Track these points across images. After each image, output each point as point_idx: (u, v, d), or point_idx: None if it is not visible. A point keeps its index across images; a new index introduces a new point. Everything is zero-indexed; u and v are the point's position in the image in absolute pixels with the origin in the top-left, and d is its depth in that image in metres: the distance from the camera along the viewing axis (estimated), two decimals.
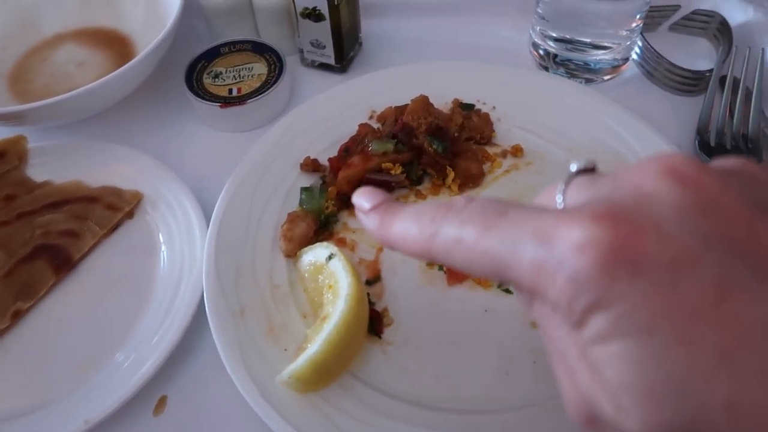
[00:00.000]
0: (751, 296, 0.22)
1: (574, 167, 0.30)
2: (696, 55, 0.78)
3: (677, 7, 0.80)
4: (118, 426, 0.52)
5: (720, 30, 0.78)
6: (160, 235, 0.63)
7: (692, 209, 0.24)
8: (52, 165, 0.68)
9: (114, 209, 0.64)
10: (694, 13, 0.80)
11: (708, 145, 0.67)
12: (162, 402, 0.54)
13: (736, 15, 0.78)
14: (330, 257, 0.55)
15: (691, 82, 0.73)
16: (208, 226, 0.60)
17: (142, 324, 0.57)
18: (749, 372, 0.21)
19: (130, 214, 0.65)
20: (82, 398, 0.52)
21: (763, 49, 0.72)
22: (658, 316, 0.22)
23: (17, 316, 0.58)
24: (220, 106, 0.70)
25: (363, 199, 0.35)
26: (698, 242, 0.23)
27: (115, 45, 0.81)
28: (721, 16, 0.78)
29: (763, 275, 0.23)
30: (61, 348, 0.57)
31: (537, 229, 0.26)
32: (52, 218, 0.64)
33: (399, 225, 0.32)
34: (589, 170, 0.30)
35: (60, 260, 0.61)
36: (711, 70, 0.72)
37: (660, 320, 0.22)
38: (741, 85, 0.70)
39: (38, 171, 0.68)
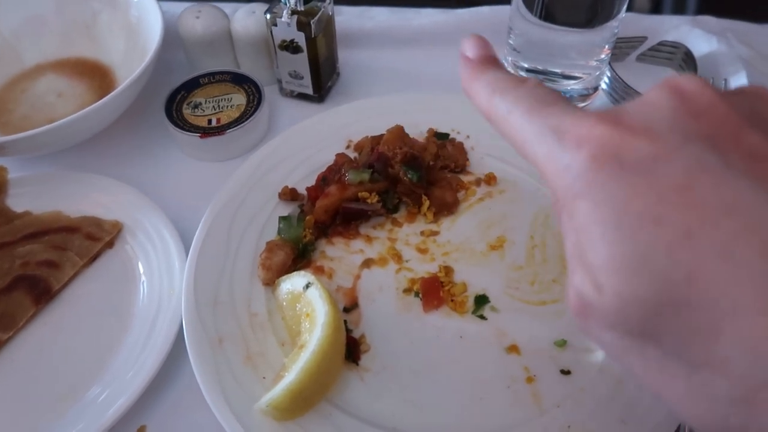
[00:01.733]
0: (718, 180, 0.24)
1: None
2: None
3: (644, 39, 0.83)
4: None
5: (685, 60, 0.81)
6: (140, 265, 0.63)
7: (684, 114, 0.26)
8: (32, 195, 0.69)
9: (94, 239, 0.65)
10: (660, 44, 0.82)
11: None
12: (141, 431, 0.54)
13: (701, 46, 0.82)
14: (307, 286, 0.56)
15: None
16: (187, 255, 0.61)
17: (121, 353, 0.57)
18: (710, 247, 0.23)
19: (110, 244, 0.65)
20: (61, 429, 0.53)
21: (725, 79, 0.75)
22: (631, 199, 0.25)
23: None
24: (200, 137, 0.71)
25: (468, 45, 0.37)
26: (681, 138, 0.26)
27: (95, 75, 0.82)
28: (686, 47, 0.81)
29: (734, 166, 0.25)
30: (41, 378, 0.57)
31: (560, 124, 0.28)
32: (32, 249, 0.64)
33: (480, 82, 0.34)
34: None
35: (40, 290, 0.61)
36: None
37: (632, 202, 0.25)
38: None
39: (18, 201, 0.68)
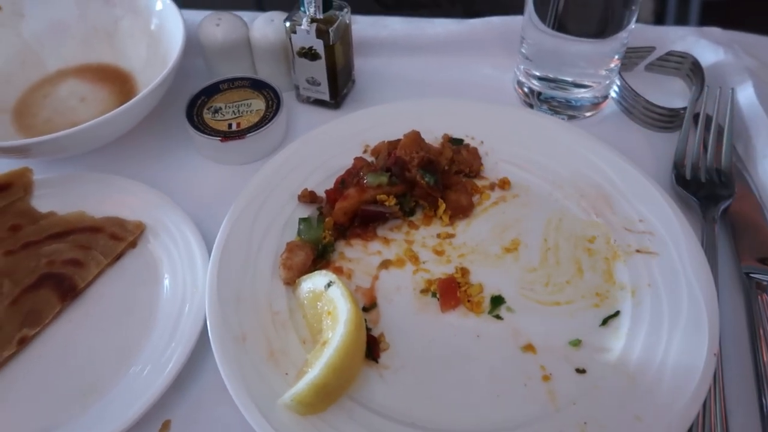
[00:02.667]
0: None
1: None
2: (671, 93, 0.83)
3: (652, 49, 0.85)
4: None
5: (693, 70, 0.83)
6: (163, 264, 0.65)
7: None
8: (57, 196, 0.70)
9: (117, 239, 0.66)
10: (668, 54, 0.84)
11: (684, 179, 0.71)
12: (166, 426, 0.56)
13: (708, 56, 0.83)
14: (329, 285, 0.57)
15: (666, 119, 0.78)
16: (209, 255, 0.62)
17: (146, 350, 0.59)
18: None
19: (133, 244, 0.67)
20: (87, 423, 0.54)
21: (732, 89, 0.76)
22: None
23: (24, 342, 0.59)
24: (221, 140, 0.73)
25: None
26: None
27: (116, 81, 0.84)
28: (694, 57, 0.83)
29: None
30: (67, 373, 0.58)
31: None
32: (57, 248, 0.66)
33: None
34: None
35: (65, 288, 0.63)
36: (685, 108, 0.77)
37: None
38: (713, 122, 0.74)
39: (43, 202, 0.70)
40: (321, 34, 0.73)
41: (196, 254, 0.64)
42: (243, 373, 0.55)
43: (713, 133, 0.74)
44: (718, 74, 0.81)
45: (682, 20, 1.39)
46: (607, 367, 0.56)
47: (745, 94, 0.77)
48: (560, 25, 0.72)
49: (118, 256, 0.66)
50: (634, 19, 0.72)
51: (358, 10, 0.85)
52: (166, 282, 0.64)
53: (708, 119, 0.75)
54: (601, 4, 0.70)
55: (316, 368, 0.51)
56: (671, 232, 0.63)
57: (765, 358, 0.56)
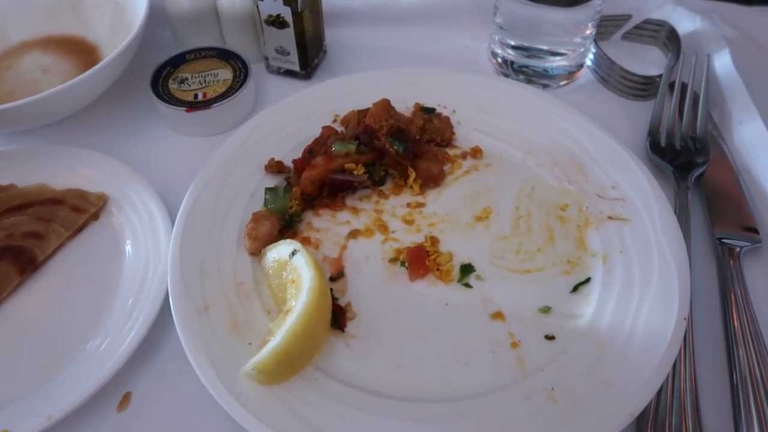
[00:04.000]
0: None
1: None
2: (647, 61, 0.81)
3: (629, 17, 0.83)
4: (82, 422, 0.53)
5: (669, 38, 0.82)
6: (126, 236, 0.63)
7: None
8: (17, 169, 0.68)
9: (79, 211, 0.65)
10: (645, 22, 0.83)
11: (659, 146, 0.70)
12: (126, 398, 0.54)
13: (685, 24, 0.82)
14: (293, 253, 0.56)
15: (642, 88, 0.77)
16: (173, 227, 0.61)
17: (107, 322, 0.57)
18: None
19: (95, 216, 0.65)
20: (46, 395, 0.52)
21: (708, 56, 0.75)
22: None
23: None
24: (186, 110, 0.71)
25: None
26: None
27: (81, 53, 0.82)
28: (671, 25, 0.81)
29: None
30: (26, 346, 0.57)
31: None
32: (17, 221, 0.64)
33: None
34: None
35: (24, 261, 0.61)
36: (661, 76, 0.76)
37: None
38: (689, 89, 0.73)
39: (3, 174, 0.68)
40: (288, 0, 0.71)
41: (159, 225, 0.62)
42: (205, 343, 0.53)
43: (689, 101, 0.73)
44: (695, 42, 0.80)
45: None
46: (576, 333, 0.55)
47: (722, 61, 0.76)
48: None
49: (80, 229, 0.65)
50: None
51: None
52: (129, 254, 0.62)
53: (684, 86, 0.74)
54: None
55: (278, 336, 0.50)
56: (644, 198, 0.62)
57: (735, 323, 0.56)
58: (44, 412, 0.51)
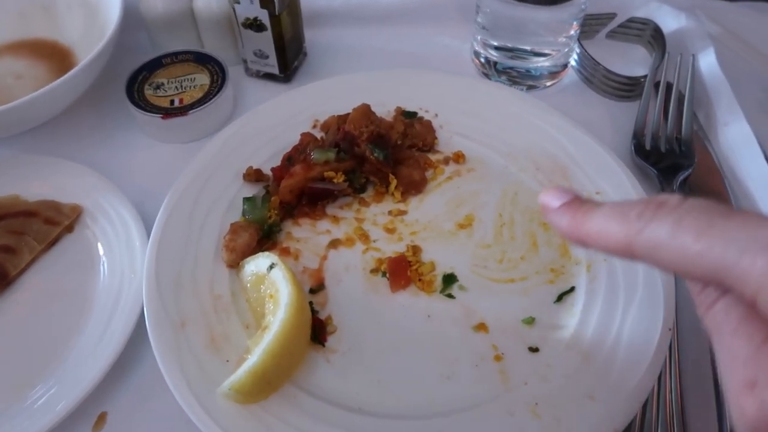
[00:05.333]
0: None
1: None
2: (632, 61, 0.80)
3: (613, 15, 0.82)
4: None
5: (654, 37, 0.80)
6: (100, 249, 0.62)
7: None
8: None
9: (52, 223, 0.63)
10: (629, 21, 0.82)
11: (643, 149, 0.69)
12: (102, 418, 0.53)
13: (670, 23, 0.81)
14: (271, 267, 0.55)
15: (627, 88, 0.76)
16: (149, 238, 0.59)
17: (81, 339, 0.56)
18: None
19: (69, 228, 0.64)
20: (17, 416, 0.51)
21: (693, 55, 0.74)
22: None
23: None
24: (162, 117, 0.69)
25: (551, 197, 0.35)
26: None
27: (54, 57, 0.80)
28: (655, 24, 0.80)
29: None
30: None
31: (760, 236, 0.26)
32: None
33: (596, 221, 0.32)
34: None
35: None
36: (645, 76, 0.75)
37: None
38: (674, 89, 0.72)
39: None
40: (265, 3, 0.69)
41: (134, 237, 0.61)
42: (181, 361, 0.52)
43: (674, 101, 0.72)
44: (680, 41, 0.79)
45: None
46: (560, 345, 0.54)
47: (707, 61, 0.75)
48: None
49: (54, 242, 0.63)
50: None
51: None
52: (104, 267, 0.61)
53: (669, 87, 0.73)
54: None
55: (255, 355, 0.49)
56: None
57: None
58: None
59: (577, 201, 0.34)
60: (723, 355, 0.29)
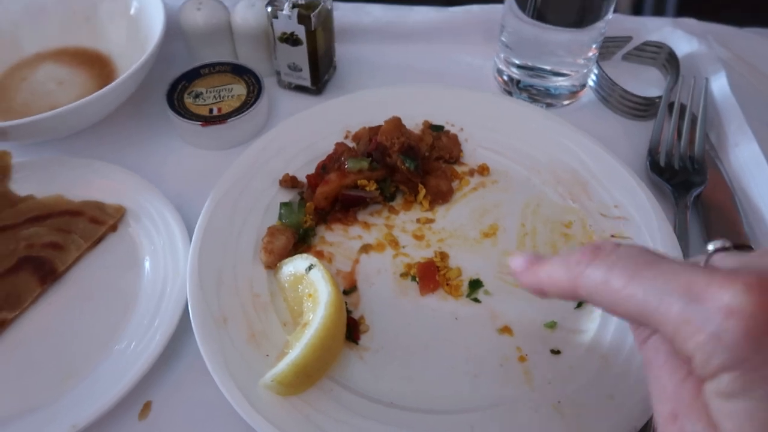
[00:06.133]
0: None
1: (711, 247, 0.34)
2: (647, 82, 0.84)
3: (629, 39, 0.86)
4: (105, 430, 0.54)
5: (668, 60, 0.84)
6: (144, 248, 0.65)
7: None
8: (35, 180, 0.70)
9: (97, 222, 0.66)
10: (645, 44, 0.86)
11: (658, 166, 0.73)
12: (147, 407, 0.56)
13: (683, 46, 0.85)
14: (310, 268, 0.58)
15: (642, 108, 0.79)
16: (190, 239, 0.63)
17: (127, 332, 0.59)
18: None
19: (113, 228, 0.67)
20: (69, 404, 0.54)
21: (706, 79, 0.78)
22: None
23: (2, 325, 0.59)
24: (202, 125, 0.73)
25: (517, 261, 0.39)
26: None
27: (95, 65, 0.84)
28: (670, 48, 0.84)
29: None
30: (48, 356, 0.58)
31: (688, 285, 0.28)
32: (36, 231, 0.66)
33: (546, 269, 0.36)
34: (726, 248, 0.33)
35: (45, 271, 0.62)
36: (660, 97, 0.78)
37: None
38: (687, 110, 0.76)
39: (21, 186, 0.69)
40: (302, 19, 0.73)
41: (177, 238, 0.64)
42: (224, 354, 0.55)
43: (687, 122, 0.75)
44: (692, 64, 0.83)
45: (659, 12, 1.41)
46: (581, 347, 0.57)
47: (719, 84, 0.78)
48: (539, 15, 0.73)
49: (99, 240, 0.66)
50: (612, 9, 0.73)
51: None
52: (147, 265, 0.64)
53: (682, 108, 0.77)
54: None
55: (297, 349, 0.52)
56: (645, 217, 0.64)
57: None
58: (67, 420, 0.52)
59: (535, 258, 0.39)
60: (653, 387, 0.33)
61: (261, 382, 0.52)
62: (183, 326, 0.58)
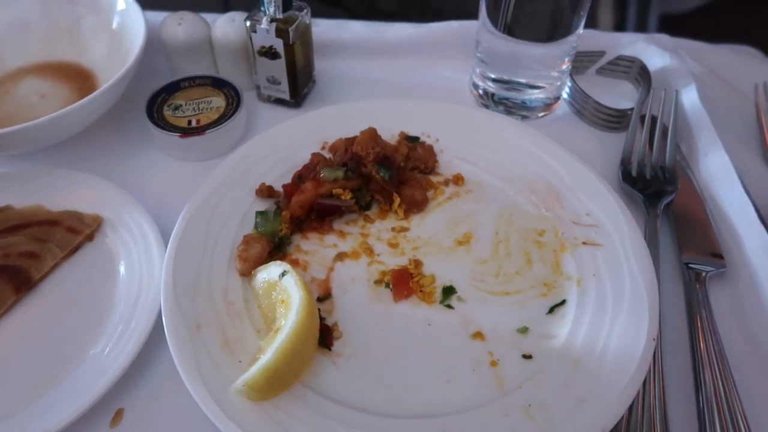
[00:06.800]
0: None
1: None
2: (620, 95, 0.86)
3: (603, 53, 0.88)
4: None
5: (641, 74, 0.86)
6: (120, 257, 0.66)
7: None
8: (15, 190, 0.70)
9: (74, 232, 0.67)
10: (618, 58, 0.88)
11: (630, 175, 0.74)
12: (119, 414, 0.56)
13: (655, 61, 0.87)
14: (283, 274, 0.59)
15: (615, 120, 0.81)
16: (166, 248, 0.63)
17: (101, 340, 0.59)
18: None
19: (90, 237, 0.67)
20: (40, 411, 0.54)
21: (677, 91, 0.80)
22: None
23: None
24: (180, 136, 0.74)
25: None
26: None
27: (77, 79, 0.85)
28: (642, 62, 0.86)
29: None
30: (20, 364, 0.58)
31: None
32: (13, 240, 0.66)
33: None
34: None
35: (20, 280, 0.63)
36: (632, 109, 0.80)
37: None
38: (659, 122, 0.78)
39: (1, 196, 0.70)
40: (281, 33, 0.74)
41: (152, 246, 0.64)
42: (197, 361, 0.55)
43: (658, 133, 0.77)
44: (664, 78, 0.85)
45: (641, 27, 1.44)
46: (552, 352, 0.58)
47: (689, 96, 0.80)
48: (510, 30, 0.75)
49: (75, 249, 0.67)
50: (582, 24, 0.75)
51: (319, 14, 0.87)
52: (122, 274, 0.64)
53: (653, 119, 0.78)
54: (547, 12, 0.73)
55: (268, 353, 0.52)
56: (616, 225, 0.65)
57: (701, 344, 0.59)
58: (38, 427, 0.52)
59: None
60: None
61: (233, 387, 0.53)
62: (157, 334, 0.58)
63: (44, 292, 0.64)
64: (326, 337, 0.59)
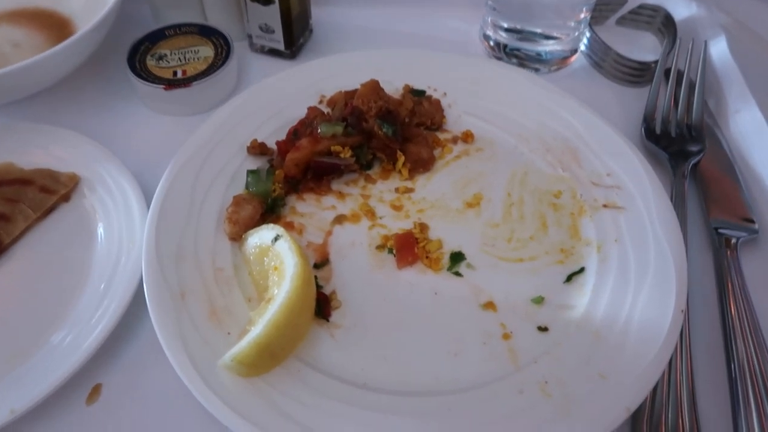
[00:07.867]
0: None
1: None
2: (642, 48, 0.80)
3: (624, 2, 0.81)
4: (47, 416, 0.50)
5: (665, 24, 0.80)
6: (98, 218, 0.60)
7: None
8: None
9: (48, 192, 0.61)
10: (640, 7, 0.81)
11: (654, 133, 0.68)
12: (96, 390, 0.51)
13: (680, 10, 0.81)
14: (276, 239, 0.53)
15: (637, 74, 0.75)
16: (148, 210, 0.58)
17: (77, 309, 0.54)
18: None
19: (66, 197, 0.62)
20: (8, 386, 0.49)
21: (705, 42, 0.74)
22: None
23: None
24: (164, 88, 0.68)
25: None
26: None
27: (53, 27, 0.78)
28: (666, 11, 0.80)
29: None
30: None
31: None
32: None
33: None
34: None
35: None
36: (656, 62, 0.74)
37: None
38: (685, 76, 0.72)
39: None
40: None
41: (134, 208, 0.59)
42: (181, 332, 0.50)
43: (684, 88, 0.71)
44: (690, 29, 0.78)
45: None
46: (570, 324, 0.53)
47: (718, 49, 0.74)
48: None
49: (49, 210, 0.61)
50: None
51: None
52: (101, 237, 0.59)
53: (679, 74, 0.72)
54: None
55: (260, 326, 0.47)
56: (639, 186, 0.60)
57: (733, 315, 0.54)
58: (6, 405, 0.48)
59: None
60: None
61: (221, 362, 0.48)
62: (138, 303, 0.53)
63: (15, 257, 0.59)
64: (323, 307, 0.54)
